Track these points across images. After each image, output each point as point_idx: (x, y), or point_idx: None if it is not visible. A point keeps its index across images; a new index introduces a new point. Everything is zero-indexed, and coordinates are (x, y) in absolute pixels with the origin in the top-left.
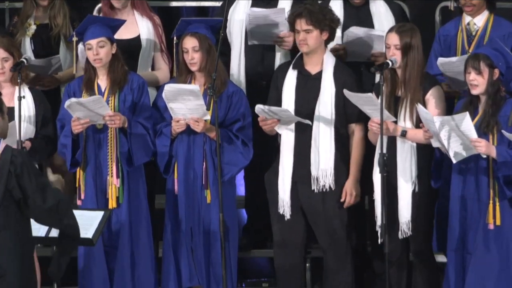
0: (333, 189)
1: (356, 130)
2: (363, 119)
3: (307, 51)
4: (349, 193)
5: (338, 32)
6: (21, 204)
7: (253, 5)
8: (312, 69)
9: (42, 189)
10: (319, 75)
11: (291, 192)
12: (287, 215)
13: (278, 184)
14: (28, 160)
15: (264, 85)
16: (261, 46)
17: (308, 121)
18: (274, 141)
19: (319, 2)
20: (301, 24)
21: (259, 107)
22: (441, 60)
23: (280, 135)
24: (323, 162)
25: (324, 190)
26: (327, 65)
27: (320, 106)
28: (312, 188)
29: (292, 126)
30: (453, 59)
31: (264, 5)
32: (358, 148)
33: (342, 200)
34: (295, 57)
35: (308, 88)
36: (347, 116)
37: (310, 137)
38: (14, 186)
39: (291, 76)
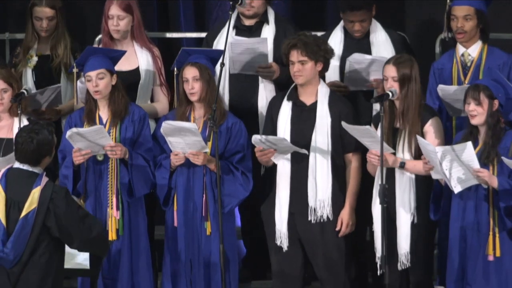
0: (331, 219)
1: (352, 159)
2: (360, 148)
3: (302, 82)
4: (345, 222)
5: (335, 62)
6: (64, 240)
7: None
8: (307, 100)
9: (84, 221)
10: (314, 105)
11: (288, 223)
12: (285, 247)
13: (275, 216)
14: (67, 195)
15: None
16: (245, 76)
17: (304, 151)
18: (269, 172)
19: (322, 33)
20: (296, 55)
21: (256, 137)
22: (441, 86)
23: (276, 166)
24: (320, 193)
25: (321, 220)
26: (322, 95)
27: (316, 136)
28: (309, 219)
29: (288, 156)
30: (452, 88)
31: (247, 36)
32: (354, 178)
33: (337, 229)
34: (290, 88)
35: (304, 119)
36: (343, 146)
37: (306, 167)
38: (52, 224)
39: (286, 108)
